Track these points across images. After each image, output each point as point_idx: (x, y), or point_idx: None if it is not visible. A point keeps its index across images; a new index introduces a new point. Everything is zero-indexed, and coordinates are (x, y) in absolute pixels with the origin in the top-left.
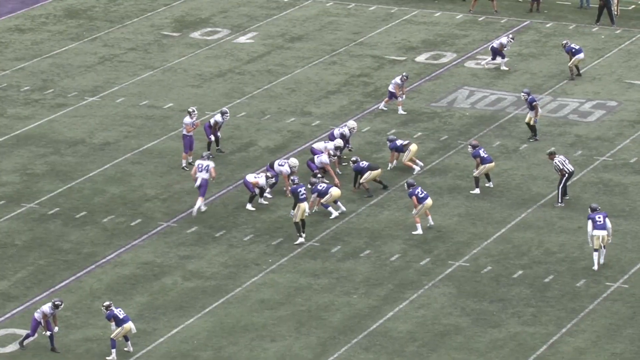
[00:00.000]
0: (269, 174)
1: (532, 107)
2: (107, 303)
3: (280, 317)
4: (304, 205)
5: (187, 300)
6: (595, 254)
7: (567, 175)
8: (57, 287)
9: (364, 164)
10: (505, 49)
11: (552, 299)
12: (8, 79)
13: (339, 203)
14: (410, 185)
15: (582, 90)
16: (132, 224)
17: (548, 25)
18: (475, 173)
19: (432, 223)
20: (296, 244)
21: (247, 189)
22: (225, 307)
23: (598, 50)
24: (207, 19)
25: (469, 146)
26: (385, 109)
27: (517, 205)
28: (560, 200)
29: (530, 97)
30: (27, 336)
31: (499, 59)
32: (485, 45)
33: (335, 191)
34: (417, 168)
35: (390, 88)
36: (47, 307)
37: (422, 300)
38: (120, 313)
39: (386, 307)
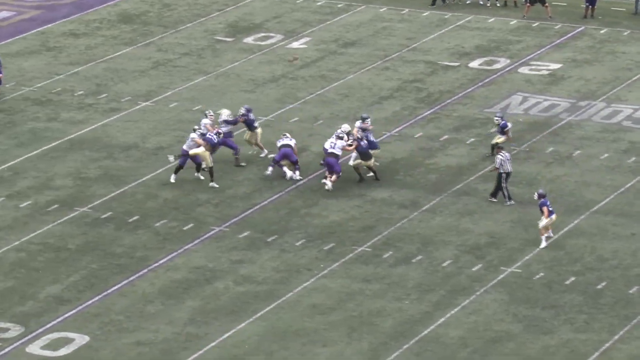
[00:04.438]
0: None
1: (504, 132)
2: None
3: (332, 322)
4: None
5: (239, 304)
6: None
7: (504, 174)
8: (109, 291)
9: (365, 143)
10: None
11: (604, 306)
12: (62, 83)
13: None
14: (541, 196)
15: (636, 97)
16: (185, 228)
17: (602, 32)
18: (542, 225)
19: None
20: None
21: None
22: (277, 312)
23: None
24: (260, 24)
25: (536, 194)
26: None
27: (570, 212)
28: (507, 199)
29: (503, 121)
30: None
31: None
32: (539, 52)
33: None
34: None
35: None
36: None
37: (474, 307)
38: None
39: (437, 313)
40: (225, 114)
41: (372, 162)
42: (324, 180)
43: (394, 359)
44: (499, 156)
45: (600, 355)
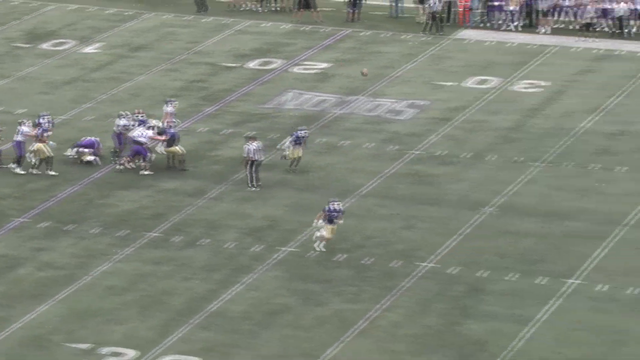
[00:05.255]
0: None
1: (297, 143)
2: None
3: (126, 302)
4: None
5: (41, 288)
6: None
7: (252, 162)
8: None
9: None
10: None
11: (371, 279)
12: None
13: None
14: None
15: (396, 92)
16: None
17: (365, 34)
18: (324, 233)
19: None
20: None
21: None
22: (76, 294)
23: (410, 55)
24: (55, 31)
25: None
26: None
27: (339, 196)
28: (251, 183)
29: (304, 132)
30: None
31: None
32: (309, 53)
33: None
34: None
35: None
36: None
37: (255, 283)
38: None
39: (222, 290)
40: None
41: (179, 149)
42: (142, 172)
43: (184, 333)
44: (249, 146)
45: (368, 322)
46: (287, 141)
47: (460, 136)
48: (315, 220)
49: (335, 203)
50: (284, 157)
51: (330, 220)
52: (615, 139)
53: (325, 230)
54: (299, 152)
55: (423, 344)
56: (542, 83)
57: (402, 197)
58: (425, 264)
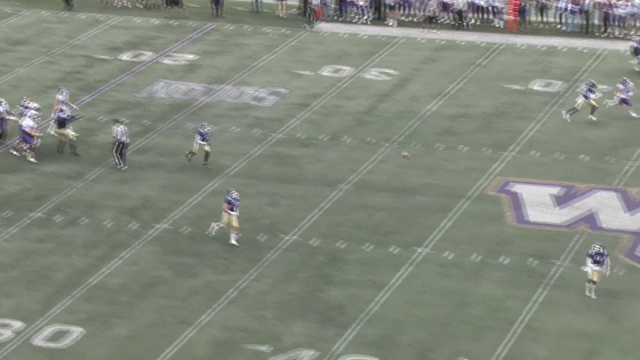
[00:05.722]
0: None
1: (204, 139)
2: None
3: (13, 278)
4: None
5: None
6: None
7: (119, 144)
8: None
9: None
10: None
11: (240, 252)
12: None
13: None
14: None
15: (258, 81)
16: None
17: (229, 28)
18: (224, 222)
19: None
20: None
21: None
22: None
23: (270, 47)
24: None
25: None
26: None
27: (208, 177)
28: (119, 164)
29: (207, 128)
30: None
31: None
32: (177, 45)
33: None
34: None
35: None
36: None
37: (133, 258)
38: None
39: (102, 265)
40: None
41: (70, 133)
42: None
43: (67, 305)
44: (117, 128)
45: (238, 291)
46: (197, 139)
47: (318, 120)
48: (224, 213)
49: (234, 192)
50: (191, 154)
51: (231, 209)
52: (457, 120)
53: (232, 220)
54: (206, 147)
55: (288, 309)
56: (391, 71)
57: (266, 177)
58: (288, 237)
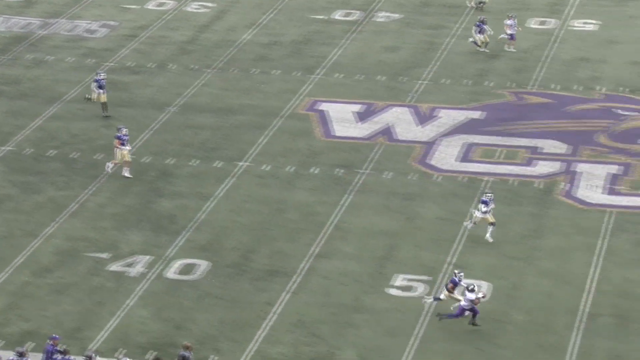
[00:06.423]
0: None
1: (100, 87)
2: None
3: None
4: None
5: None
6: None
7: None
8: None
9: None
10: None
11: (78, 170)
12: None
13: None
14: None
15: (90, 14)
16: None
17: None
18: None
19: None
20: None
21: None
22: None
23: None
24: None
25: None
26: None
27: (48, 103)
28: None
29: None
30: None
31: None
32: None
33: None
34: None
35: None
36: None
37: None
38: None
39: None
40: None
41: None
42: None
43: None
44: None
45: (78, 205)
46: (93, 86)
47: (146, 50)
48: (116, 149)
49: (124, 129)
50: (89, 99)
51: (122, 144)
52: (270, 48)
53: (125, 155)
54: (103, 97)
55: (125, 220)
56: (210, 4)
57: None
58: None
